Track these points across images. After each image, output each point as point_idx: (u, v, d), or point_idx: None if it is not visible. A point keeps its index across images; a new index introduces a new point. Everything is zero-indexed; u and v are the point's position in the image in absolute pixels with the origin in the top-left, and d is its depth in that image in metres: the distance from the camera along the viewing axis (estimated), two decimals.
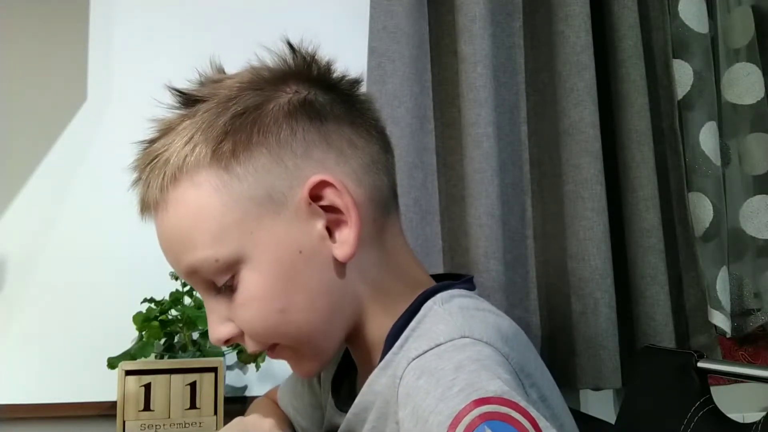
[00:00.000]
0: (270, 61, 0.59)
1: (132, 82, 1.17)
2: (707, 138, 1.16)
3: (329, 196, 0.55)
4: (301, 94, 0.57)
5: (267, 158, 0.55)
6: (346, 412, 0.59)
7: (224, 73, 0.61)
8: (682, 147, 1.17)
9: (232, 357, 1.10)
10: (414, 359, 0.50)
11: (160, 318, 1.01)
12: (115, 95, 1.18)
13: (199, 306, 1.03)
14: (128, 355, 1.01)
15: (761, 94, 1.23)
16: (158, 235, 0.58)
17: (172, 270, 1.06)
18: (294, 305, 0.55)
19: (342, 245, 0.56)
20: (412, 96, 1.07)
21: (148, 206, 0.58)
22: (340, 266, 0.57)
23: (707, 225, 1.15)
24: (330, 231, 0.56)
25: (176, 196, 0.55)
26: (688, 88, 1.17)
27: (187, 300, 1.04)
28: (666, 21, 1.19)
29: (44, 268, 1.12)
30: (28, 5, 1.18)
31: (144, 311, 1.02)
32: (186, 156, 0.55)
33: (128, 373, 0.94)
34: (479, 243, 1.02)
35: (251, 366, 1.10)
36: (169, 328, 1.02)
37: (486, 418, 0.42)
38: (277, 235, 0.55)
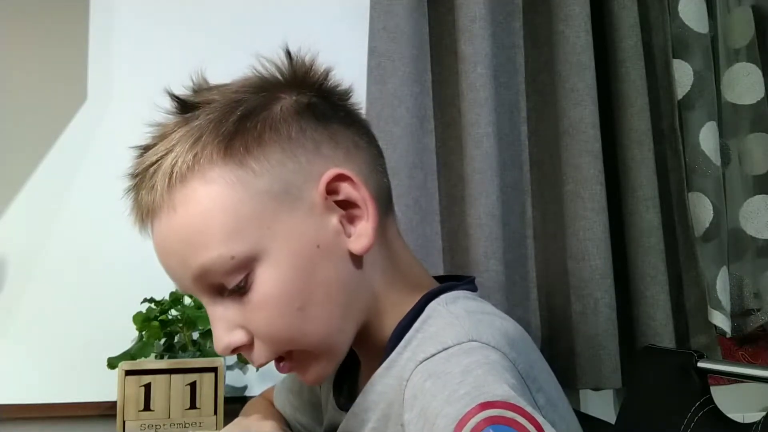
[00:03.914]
0: (269, 69, 0.59)
1: (132, 82, 1.17)
2: (707, 138, 1.16)
3: (345, 190, 0.56)
4: (304, 99, 0.58)
5: (281, 154, 0.55)
6: (347, 410, 0.59)
7: (209, 83, 0.60)
8: (682, 147, 1.17)
9: (231, 357, 1.10)
10: (422, 362, 0.51)
11: (160, 318, 1.01)
12: (115, 95, 1.18)
13: (199, 306, 1.03)
14: (128, 355, 1.01)
15: (761, 94, 1.23)
16: (160, 241, 0.56)
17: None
18: (313, 301, 0.54)
19: (359, 238, 0.56)
20: (412, 96, 1.07)
21: (149, 212, 0.55)
22: (356, 260, 0.57)
23: (707, 225, 1.15)
24: (343, 226, 0.56)
25: (185, 195, 0.53)
26: (688, 88, 1.17)
27: (187, 300, 1.04)
28: (666, 21, 1.19)
29: (44, 268, 1.12)
30: (28, 5, 1.18)
31: (144, 311, 1.03)
32: (196, 155, 0.53)
33: (128, 373, 0.94)
34: (479, 243, 1.02)
35: (251, 366, 1.10)
36: (169, 328, 1.02)
37: (491, 421, 0.42)
38: (294, 230, 0.54)
